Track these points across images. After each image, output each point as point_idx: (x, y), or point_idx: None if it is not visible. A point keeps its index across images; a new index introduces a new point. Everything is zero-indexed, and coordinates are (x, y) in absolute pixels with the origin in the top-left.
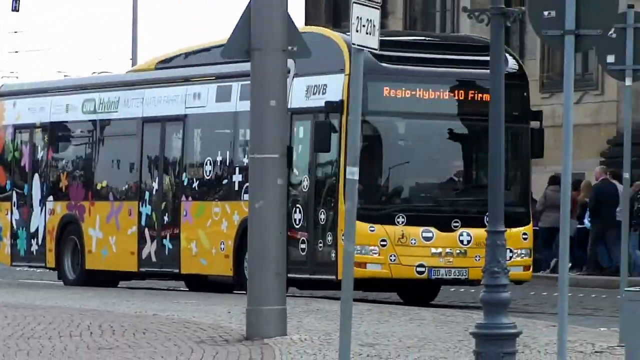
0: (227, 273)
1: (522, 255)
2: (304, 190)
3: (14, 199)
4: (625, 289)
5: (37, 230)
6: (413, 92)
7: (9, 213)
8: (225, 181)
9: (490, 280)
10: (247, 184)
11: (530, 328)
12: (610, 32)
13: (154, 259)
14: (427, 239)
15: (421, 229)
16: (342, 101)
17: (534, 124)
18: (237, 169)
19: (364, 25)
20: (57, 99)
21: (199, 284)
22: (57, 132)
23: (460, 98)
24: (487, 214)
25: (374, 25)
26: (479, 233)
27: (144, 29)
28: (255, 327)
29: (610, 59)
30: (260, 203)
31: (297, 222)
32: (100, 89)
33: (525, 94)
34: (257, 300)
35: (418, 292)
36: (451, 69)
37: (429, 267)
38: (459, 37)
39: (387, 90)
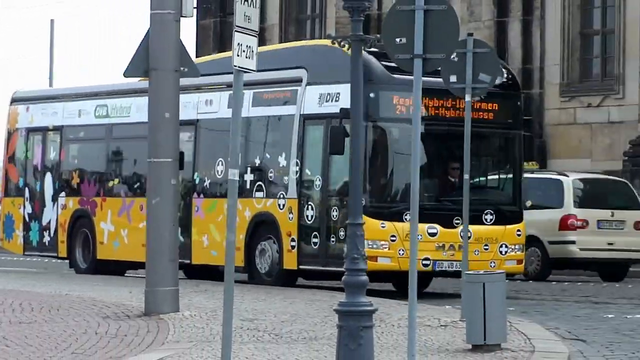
0: (237, 264)
1: (516, 250)
2: (316, 188)
3: (27, 195)
4: (465, 272)
5: (49, 223)
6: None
7: (22, 207)
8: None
9: (351, 265)
10: (258, 183)
11: (385, 306)
12: (453, 56)
13: None
14: (432, 234)
15: (427, 225)
16: None
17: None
18: (248, 169)
19: (243, 51)
20: (70, 104)
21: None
22: (69, 135)
23: (460, 106)
24: (485, 212)
25: (252, 51)
26: (478, 229)
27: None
28: (152, 304)
29: (453, 78)
30: (157, 200)
31: (310, 218)
32: (113, 96)
33: (518, 102)
34: (154, 282)
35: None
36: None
37: (433, 260)
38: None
39: (395, 98)
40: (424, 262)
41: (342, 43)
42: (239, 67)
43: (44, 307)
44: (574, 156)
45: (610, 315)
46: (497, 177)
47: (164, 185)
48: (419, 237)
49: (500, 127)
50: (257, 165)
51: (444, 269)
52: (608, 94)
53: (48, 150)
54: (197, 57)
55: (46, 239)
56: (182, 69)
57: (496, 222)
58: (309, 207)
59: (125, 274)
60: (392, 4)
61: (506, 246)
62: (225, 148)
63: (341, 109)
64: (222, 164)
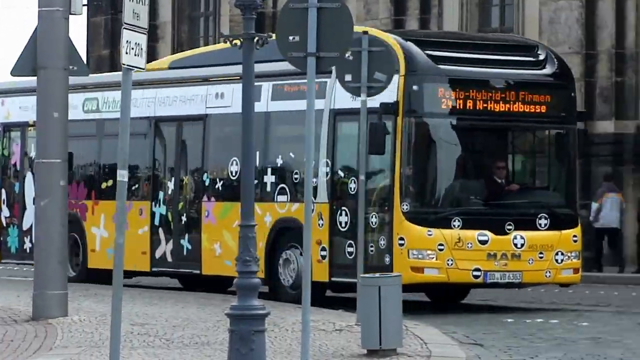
0: (258, 275)
1: (572, 257)
2: (351, 192)
3: (4, 197)
4: (361, 275)
5: (30, 228)
6: (467, 94)
7: None
8: (255, 182)
9: (243, 267)
10: (281, 185)
11: (280, 309)
12: (347, 55)
13: (169, 259)
14: (483, 242)
15: (477, 232)
16: (396, 102)
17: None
18: (268, 169)
19: (132, 48)
20: None
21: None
22: None
23: (512, 99)
24: (539, 216)
25: (141, 48)
26: (532, 236)
27: None
28: (40, 309)
29: (348, 77)
30: (46, 201)
31: (344, 225)
32: (103, 89)
33: (572, 94)
34: (42, 285)
35: (447, 291)
36: (503, 70)
37: (485, 271)
38: (505, 38)
39: (441, 91)
40: (475, 273)
41: (233, 41)
42: (127, 65)
43: None
44: None
45: (509, 320)
46: (549, 177)
47: (54, 187)
48: (469, 245)
49: (552, 121)
50: (279, 165)
51: (495, 280)
52: None
53: (28, 148)
54: (87, 55)
55: (27, 245)
56: (71, 67)
57: (551, 227)
58: (343, 212)
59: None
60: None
61: (562, 254)
62: (239, 146)
63: (381, 104)
64: (236, 164)
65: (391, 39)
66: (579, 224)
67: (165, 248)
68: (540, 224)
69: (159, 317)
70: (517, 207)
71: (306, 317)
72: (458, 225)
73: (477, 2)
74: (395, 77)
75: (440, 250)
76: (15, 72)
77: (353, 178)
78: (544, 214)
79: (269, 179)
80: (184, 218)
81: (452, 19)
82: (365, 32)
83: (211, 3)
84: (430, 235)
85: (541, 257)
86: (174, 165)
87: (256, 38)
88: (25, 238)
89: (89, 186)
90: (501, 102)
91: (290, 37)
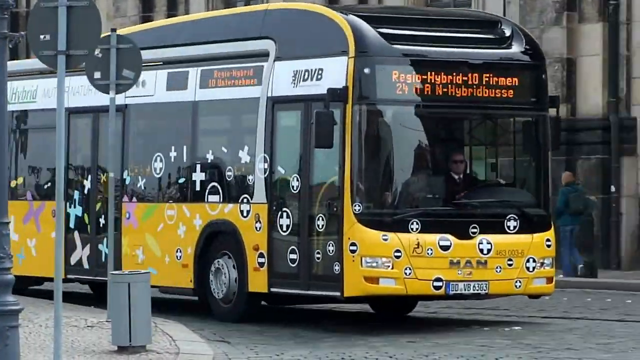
0: (185, 285)
1: (546, 265)
2: (293, 191)
3: None
4: (111, 272)
5: None
6: (425, 77)
7: None
8: (182, 180)
9: None
10: (212, 183)
11: (35, 305)
12: (96, 52)
13: (86, 265)
14: (445, 247)
15: (438, 236)
16: (345, 87)
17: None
18: (197, 166)
19: None
20: None
21: None
22: None
23: (476, 83)
24: (507, 217)
25: None
26: (500, 240)
27: None
28: None
29: (97, 74)
30: None
31: (285, 229)
32: (16, 77)
33: (542, 76)
34: None
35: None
36: (465, 50)
37: (447, 281)
38: (465, 13)
39: (395, 74)
40: (436, 283)
41: None
42: None
43: None
44: None
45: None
46: (518, 172)
47: None
48: (430, 251)
49: (521, 108)
50: (209, 162)
51: (459, 291)
52: None
53: None
54: None
55: None
56: None
57: (521, 230)
58: (284, 214)
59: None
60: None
61: (534, 260)
62: (163, 140)
63: (329, 90)
64: (161, 160)
65: (338, 16)
66: (552, 226)
67: (81, 253)
68: (509, 227)
69: None
70: (483, 207)
71: (58, 314)
72: (417, 229)
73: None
74: (344, 59)
75: (397, 257)
76: None
77: (295, 175)
78: (513, 215)
79: (199, 176)
80: (101, 220)
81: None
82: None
83: None
84: (385, 240)
85: (510, 265)
86: (91, 162)
87: (8, 37)
88: None
89: None
90: (463, 86)
91: (42, 36)
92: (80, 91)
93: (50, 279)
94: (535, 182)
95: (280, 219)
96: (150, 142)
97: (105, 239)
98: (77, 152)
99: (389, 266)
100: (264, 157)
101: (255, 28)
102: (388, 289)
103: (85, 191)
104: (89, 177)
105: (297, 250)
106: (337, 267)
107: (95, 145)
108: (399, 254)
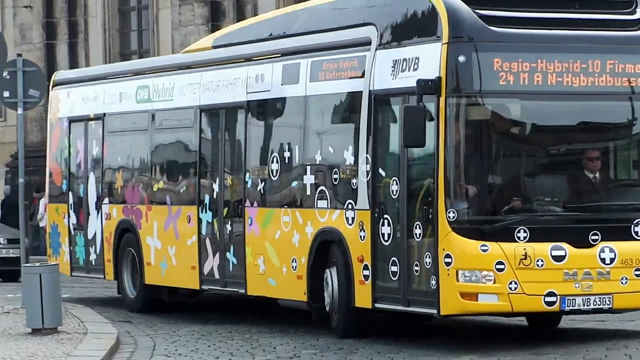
0: (299, 297)
1: None
2: (393, 196)
3: (71, 200)
4: (24, 265)
5: (94, 236)
6: (534, 65)
7: (66, 217)
8: (295, 183)
9: None
10: (321, 187)
11: None
12: (5, 74)
13: (216, 275)
14: (558, 258)
15: (550, 245)
16: (439, 78)
17: None
18: (307, 168)
19: None
20: (110, 86)
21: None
22: (110, 125)
23: (599, 70)
24: (635, 221)
25: None
26: (626, 247)
27: None
28: None
29: (6, 94)
30: None
31: (386, 238)
32: (154, 73)
33: None
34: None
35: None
36: (583, 32)
37: (561, 296)
38: None
39: (497, 62)
40: (547, 298)
41: None
42: None
43: None
44: None
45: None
46: None
47: None
48: (541, 263)
49: None
50: (318, 163)
51: (576, 307)
52: None
53: (90, 146)
54: None
55: (92, 256)
56: None
57: None
58: (385, 221)
59: None
60: None
61: None
62: (278, 139)
63: (418, 82)
64: (276, 161)
65: None
66: None
67: (212, 262)
68: (636, 232)
69: None
70: (607, 211)
71: None
72: (525, 237)
73: (117, 27)
74: (436, 46)
75: (500, 270)
76: None
77: (395, 178)
78: None
79: (309, 179)
80: (228, 227)
81: (97, 43)
82: None
83: None
84: (485, 250)
85: (638, 275)
86: (220, 163)
87: None
88: (90, 248)
89: (142, 189)
90: (582, 74)
91: None
92: (210, 87)
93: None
94: None
95: (382, 227)
96: (268, 142)
97: (232, 247)
98: (208, 151)
99: (490, 280)
100: (367, 158)
101: (360, 12)
102: (490, 306)
103: (214, 195)
104: (217, 179)
105: (397, 262)
106: (433, 282)
107: (222, 145)
108: (501, 266)
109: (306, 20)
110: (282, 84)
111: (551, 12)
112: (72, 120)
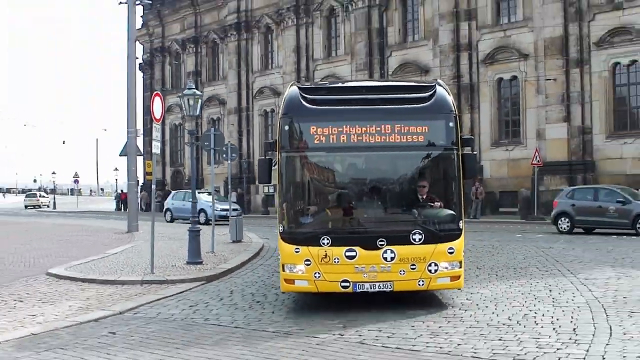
0: None
1: (454, 267)
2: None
3: None
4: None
5: None
6: (340, 129)
7: None
8: None
9: None
10: None
11: None
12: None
13: None
14: (351, 257)
15: (345, 249)
16: (275, 140)
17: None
18: None
19: None
20: None
21: None
22: None
23: (388, 131)
24: (413, 232)
25: None
26: (404, 250)
27: None
28: (129, 227)
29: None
30: None
31: None
32: None
33: (449, 124)
34: (130, 220)
35: None
36: (380, 106)
37: (353, 282)
38: (403, 84)
39: (313, 128)
40: (343, 284)
41: None
42: None
43: (88, 230)
44: None
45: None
46: (429, 193)
47: None
48: (336, 260)
49: (428, 147)
50: None
51: (365, 290)
52: None
53: None
54: None
55: None
56: None
57: (425, 242)
58: None
59: None
60: None
61: (436, 264)
62: None
63: (265, 143)
64: None
65: (290, 87)
66: (461, 237)
67: None
68: (414, 239)
69: None
70: (391, 224)
71: None
72: (327, 243)
73: None
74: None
75: (308, 264)
76: None
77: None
78: (418, 230)
79: None
80: None
81: None
82: None
83: None
84: (297, 252)
85: (413, 268)
86: None
87: None
88: None
89: None
90: (377, 135)
91: None
92: None
93: None
94: (447, 201)
95: None
96: None
97: None
98: None
99: (301, 271)
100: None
101: None
102: (303, 288)
103: None
104: None
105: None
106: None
107: None
108: (308, 262)
109: None
110: None
111: (358, 94)
112: None
